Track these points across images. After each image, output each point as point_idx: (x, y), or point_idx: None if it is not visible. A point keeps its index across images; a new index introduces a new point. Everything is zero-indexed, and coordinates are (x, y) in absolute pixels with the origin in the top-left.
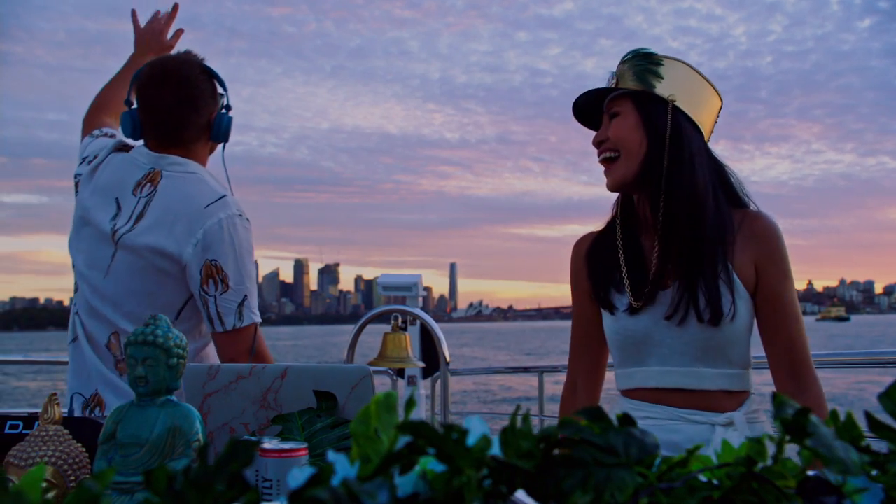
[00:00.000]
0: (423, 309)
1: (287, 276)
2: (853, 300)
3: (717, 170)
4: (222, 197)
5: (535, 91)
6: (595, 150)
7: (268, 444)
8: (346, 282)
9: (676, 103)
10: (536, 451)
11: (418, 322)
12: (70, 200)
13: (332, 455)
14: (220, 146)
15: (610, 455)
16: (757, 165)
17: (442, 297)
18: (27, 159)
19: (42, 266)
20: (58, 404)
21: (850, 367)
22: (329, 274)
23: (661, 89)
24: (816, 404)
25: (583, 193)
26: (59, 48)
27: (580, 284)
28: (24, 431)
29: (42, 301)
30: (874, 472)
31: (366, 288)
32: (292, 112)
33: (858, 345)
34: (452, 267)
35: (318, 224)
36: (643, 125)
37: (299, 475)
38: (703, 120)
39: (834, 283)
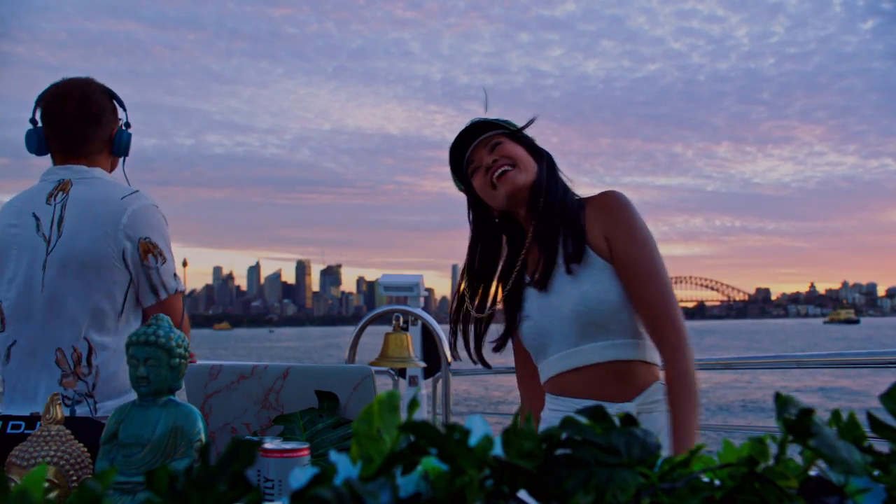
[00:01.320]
0: (424, 310)
1: (289, 277)
2: (856, 302)
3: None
4: (136, 191)
5: (537, 92)
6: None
7: (270, 444)
8: (348, 283)
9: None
10: (538, 452)
11: (419, 322)
12: None
13: (334, 455)
14: (121, 164)
15: (612, 455)
16: (759, 167)
17: (444, 298)
18: (29, 160)
19: None
20: (59, 404)
21: (851, 368)
22: (331, 275)
23: (519, 128)
24: (679, 368)
25: (585, 195)
26: (61, 49)
27: None
28: (26, 431)
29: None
30: (876, 473)
31: (368, 289)
32: (294, 113)
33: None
34: (454, 268)
35: (319, 225)
36: (525, 148)
37: (301, 475)
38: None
39: (836, 286)
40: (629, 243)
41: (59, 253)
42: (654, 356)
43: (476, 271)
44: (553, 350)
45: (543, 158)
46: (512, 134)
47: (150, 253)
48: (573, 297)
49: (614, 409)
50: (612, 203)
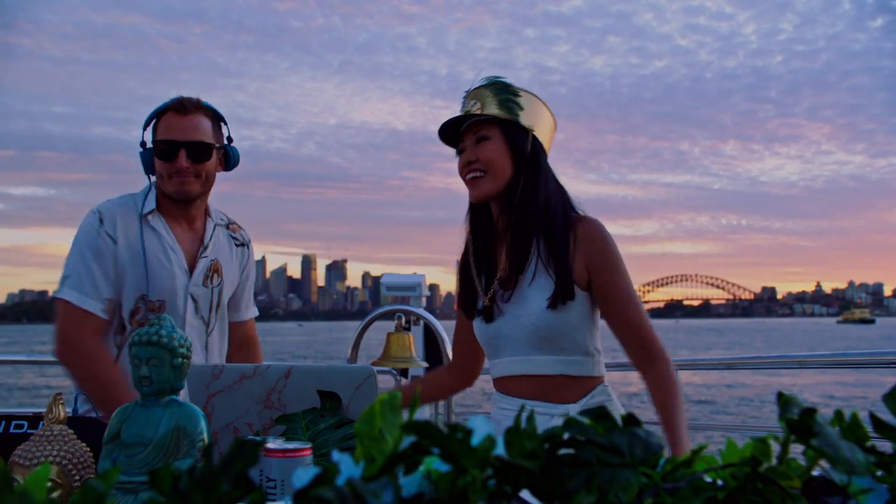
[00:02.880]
0: (429, 307)
1: (295, 271)
2: (862, 302)
3: (561, 188)
4: (106, 200)
5: (543, 88)
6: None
7: (272, 443)
8: (354, 278)
9: (535, 133)
10: (541, 452)
11: (422, 322)
12: (76, 194)
13: (336, 455)
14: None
15: (614, 455)
16: (766, 166)
17: (449, 294)
18: (34, 152)
19: (50, 259)
20: (62, 404)
21: (853, 368)
22: (336, 270)
23: (524, 119)
24: (664, 373)
25: (590, 192)
26: (67, 41)
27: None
28: (28, 431)
29: (51, 294)
30: (879, 473)
31: (373, 284)
32: (299, 107)
33: None
34: None
35: (325, 220)
36: (510, 150)
37: (304, 475)
38: (548, 145)
39: (843, 285)
40: (613, 274)
41: None
42: (601, 369)
43: (475, 249)
44: (505, 353)
45: (524, 165)
46: (506, 124)
47: None
48: (536, 310)
49: (559, 410)
50: (596, 235)
